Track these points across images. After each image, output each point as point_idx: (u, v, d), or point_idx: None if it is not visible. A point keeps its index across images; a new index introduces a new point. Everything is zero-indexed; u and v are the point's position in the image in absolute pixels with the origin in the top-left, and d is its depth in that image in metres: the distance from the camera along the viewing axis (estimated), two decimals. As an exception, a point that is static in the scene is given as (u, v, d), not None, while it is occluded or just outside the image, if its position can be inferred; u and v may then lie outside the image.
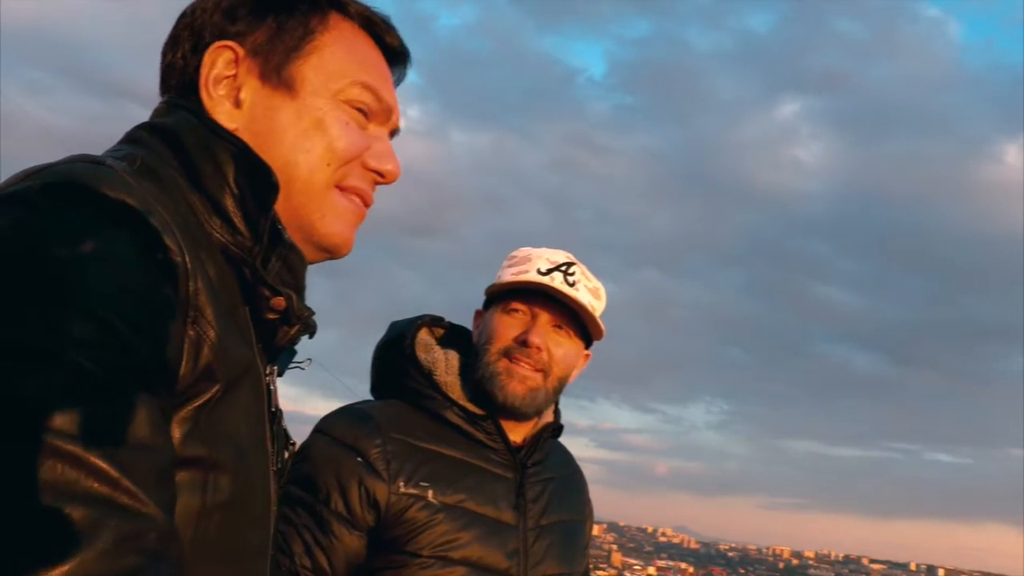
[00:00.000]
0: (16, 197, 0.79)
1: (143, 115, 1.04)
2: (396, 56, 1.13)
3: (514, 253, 1.88)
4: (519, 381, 1.76)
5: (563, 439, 2.04)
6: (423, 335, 1.85)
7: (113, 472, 0.71)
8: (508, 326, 1.80)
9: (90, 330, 0.73)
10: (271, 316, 0.98)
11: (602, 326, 1.85)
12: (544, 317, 1.80)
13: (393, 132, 1.11)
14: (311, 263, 1.04)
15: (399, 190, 1.09)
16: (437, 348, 1.84)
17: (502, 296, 1.83)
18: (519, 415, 1.80)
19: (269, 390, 1.02)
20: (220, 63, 1.00)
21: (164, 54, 1.05)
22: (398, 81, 1.14)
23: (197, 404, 0.84)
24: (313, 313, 1.02)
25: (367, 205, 1.09)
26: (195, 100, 1.00)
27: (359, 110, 1.04)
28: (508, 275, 1.82)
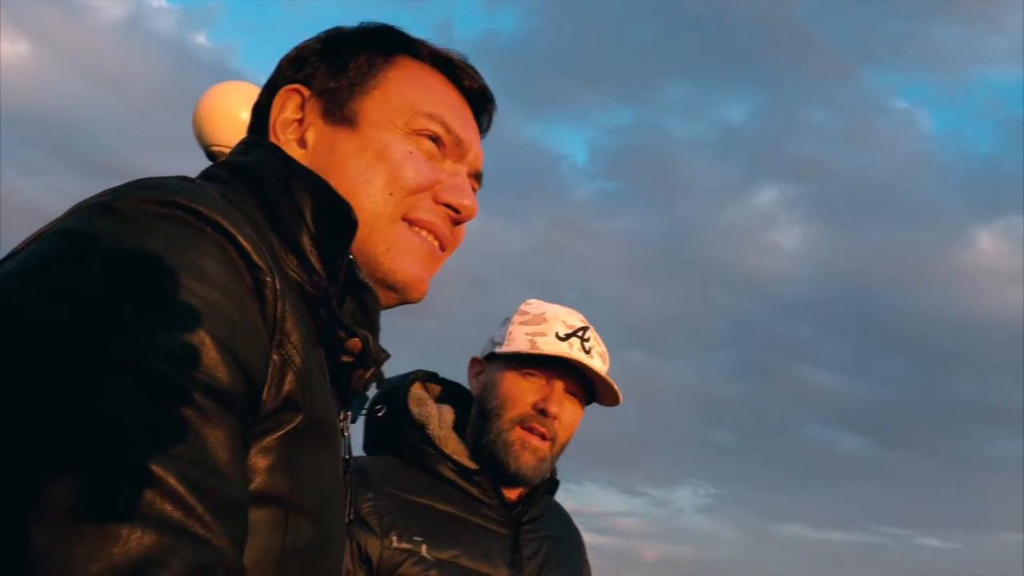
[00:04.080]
0: (108, 207, 0.77)
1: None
2: (476, 99, 1.08)
3: (526, 308, 1.86)
4: (531, 452, 1.74)
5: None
6: (416, 389, 1.83)
7: (189, 498, 0.67)
8: (525, 392, 1.77)
9: (179, 344, 0.71)
10: (346, 359, 0.94)
11: (619, 395, 1.83)
12: (560, 385, 1.78)
13: (475, 176, 1.06)
14: (384, 307, 0.99)
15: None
16: (430, 402, 1.82)
17: (518, 358, 1.80)
18: (526, 484, 1.78)
19: (344, 436, 0.98)
20: (289, 107, 1.01)
21: (253, 112, 1.06)
22: (483, 128, 1.10)
23: (280, 434, 0.80)
24: (389, 356, 0.97)
25: (444, 246, 1.02)
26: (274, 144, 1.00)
27: (430, 139, 1.00)
28: (523, 335, 1.79)
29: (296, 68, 1.04)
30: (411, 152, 0.98)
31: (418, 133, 1.00)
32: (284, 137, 1.00)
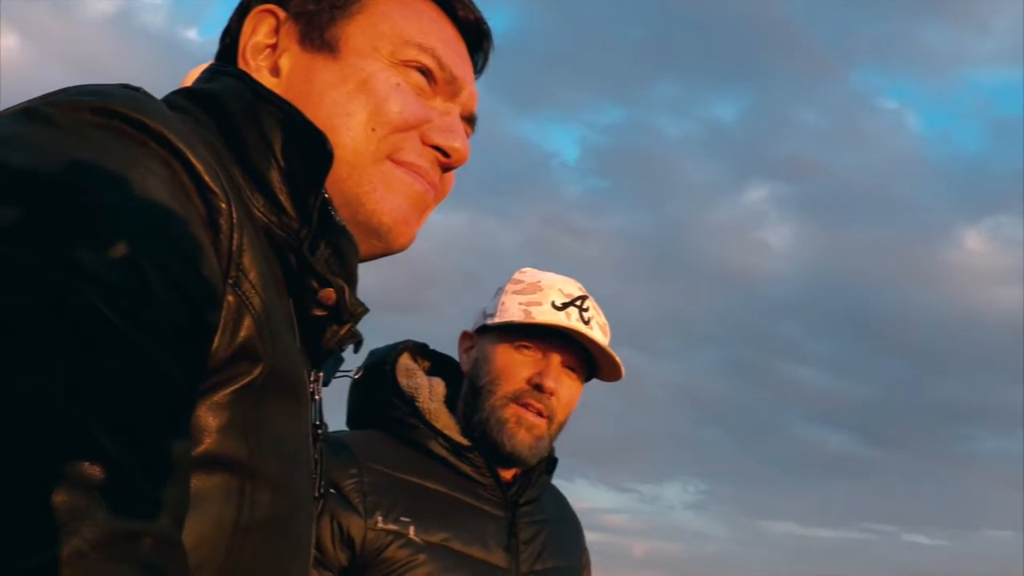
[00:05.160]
0: (35, 112, 0.65)
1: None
2: (472, 33, 0.97)
3: (520, 277, 1.72)
4: (527, 430, 1.60)
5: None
6: (405, 360, 1.69)
7: (112, 451, 0.55)
8: (519, 366, 1.63)
9: (111, 268, 0.59)
10: (318, 312, 0.82)
11: (622, 368, 1.70)
12: (557, 358, 1.65)
13: (469, 120, 0.96)
14: (364, 258, 0.88)
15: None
16: (420, 374, 1.68)
17: (511, 329, 1.66)
18: (522, 464, 1.64)
19: (314, 399, 0.87)
20: (261, 30, 0.89)
21: (220, 41, 0.94)
22: (478, 67, 0.99)
23: (235, 388, 0.69)
24: (367, 310, 0.86)
25: (432, 193, 0.92)
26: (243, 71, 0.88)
27: (419, 72, 0.89)
28: (516, 305, 1.66)
29: None
30: (398, 84, 0.87)
31: (406, 64, 0.88)
32: (255, 63, 0.88)
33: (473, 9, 0.97)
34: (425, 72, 0.89)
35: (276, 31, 0.89)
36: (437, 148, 0.89)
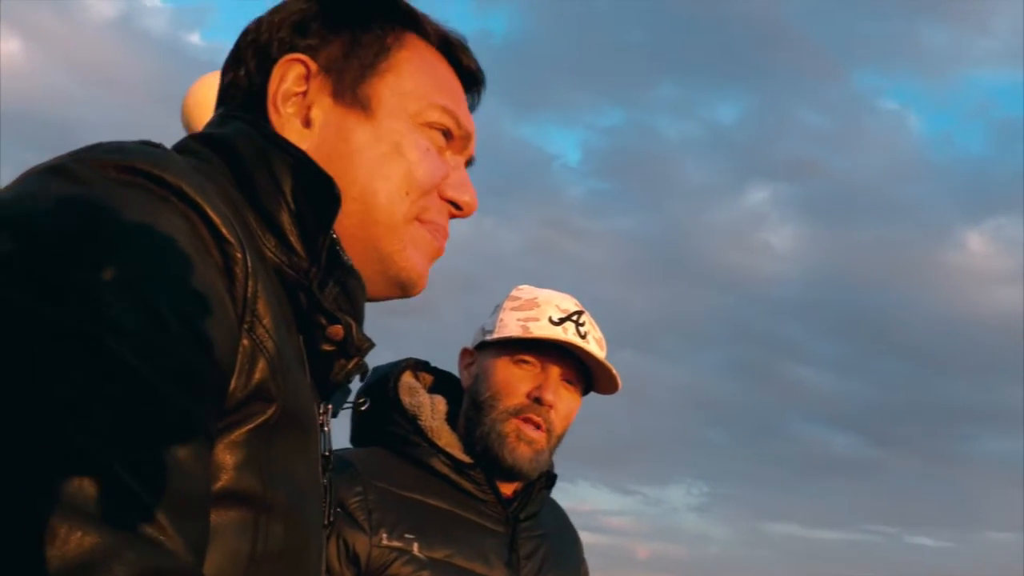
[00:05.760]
0: (64, 170, 0.69)
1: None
2: (472, 80, 1.04)
3: (517, 293, 1.77)
4: (527, 444, 1.65)
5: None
6: (407, 378, 1.73)
7: (140, 493, 0.59)
8: (519, 380, 1.67)
9: (134, 318, 0.63)
10: (327, 348, 0.86)
11: (618, 381, 1.74)
12: (555, 372, 1.69)
13: (468, 162, 1.02)
14: (379, 299, 0.95)
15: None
16: (422, 392, 1.72)
17: (510, 344, 1.71)
18: (522, 479, 1.68)
19: (323, 431, 0.91)
20: (290, 78, 0.91)
21: (224, 72, 0.96)
22: (472, 107, 1.06)
23: (250, 427, 0.72)
24: (373, 345, 0.90)
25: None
26: (255, 115, 0.91)
27: (441, 133, 0.96)
28: (515, 321, 1.70)
29: (299, 35, 0.93)
30: (428, 149, 0.93)
31: (431, 126, 0.94)
32: (285, 111, 0.91)
33: (474, 59, 1.03)
34: (445, 132, 0.96)
35: (306, 79, 0.92)
36: (451, 202, 0.96)
